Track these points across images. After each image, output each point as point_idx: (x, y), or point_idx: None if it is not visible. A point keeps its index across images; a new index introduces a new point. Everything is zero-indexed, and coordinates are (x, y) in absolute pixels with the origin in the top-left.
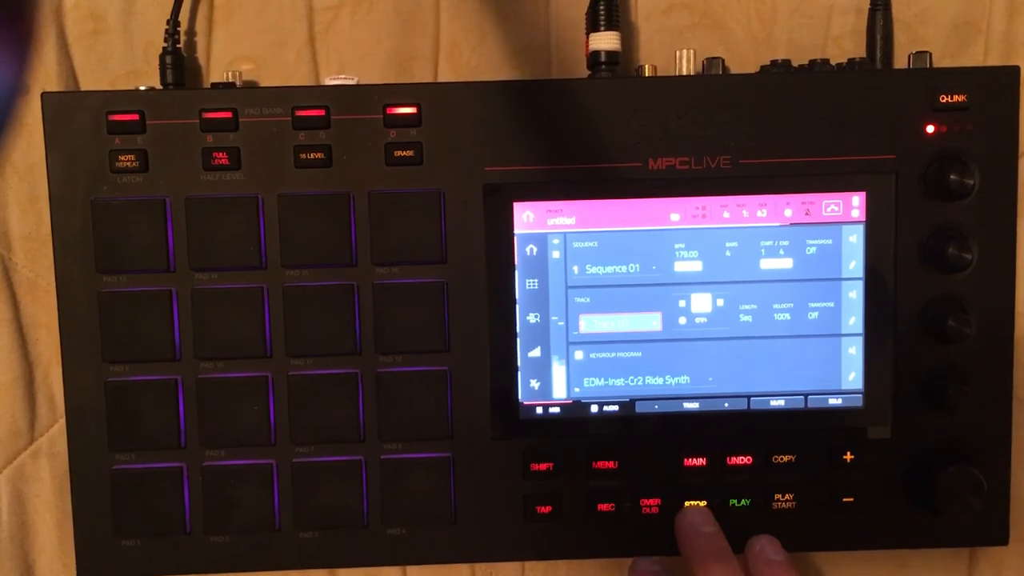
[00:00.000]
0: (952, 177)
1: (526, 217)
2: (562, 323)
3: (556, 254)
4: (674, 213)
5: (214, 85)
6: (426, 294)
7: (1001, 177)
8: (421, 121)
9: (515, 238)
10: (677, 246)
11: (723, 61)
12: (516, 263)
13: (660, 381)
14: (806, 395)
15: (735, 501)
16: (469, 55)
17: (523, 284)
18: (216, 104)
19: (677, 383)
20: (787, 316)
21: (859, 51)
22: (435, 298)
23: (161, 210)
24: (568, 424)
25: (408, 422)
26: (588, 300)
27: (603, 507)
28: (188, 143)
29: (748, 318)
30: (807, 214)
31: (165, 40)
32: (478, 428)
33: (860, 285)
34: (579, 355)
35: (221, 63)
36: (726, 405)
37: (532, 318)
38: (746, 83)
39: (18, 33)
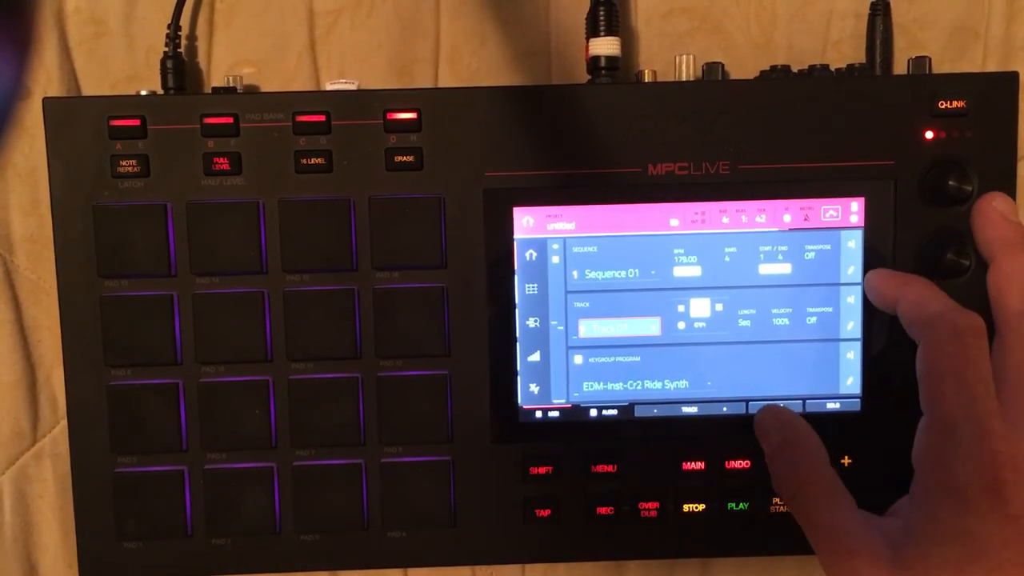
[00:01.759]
0: (951, 183)
1: (526, 222)
2: (561, 328)
3: (556, 259)
4: (673, 218)
5: (215, 90)
6: (426, 299)
7: (1000, 183)
8: (421, 126)
9: (515, 243)
10: (676, 251)
11: (723, 66)
12: (516, 268)
13: (659, 385)
14: (804, 399)
15: (733, 504)
16: (469, 59)
17: (523, 289)
18: (217, 109)
19: (676, 387)
20: (785, 321)
21: (859, 56)
22: (435, 303)
23: (162, 215)
24: (567, 428)
25: (408, 426)
26: (587, 305)
27: (602, 510)
28: (189, 148)
29: (747, 323)
30: (806, 219)
31: (166, 44)
32: (478, 432)
33: (859, 290)
34: (578, 359)
35: (222, 67)
36: (724, 409)
37: (532, 323)
38: (745, 88)
39: (18, 35)
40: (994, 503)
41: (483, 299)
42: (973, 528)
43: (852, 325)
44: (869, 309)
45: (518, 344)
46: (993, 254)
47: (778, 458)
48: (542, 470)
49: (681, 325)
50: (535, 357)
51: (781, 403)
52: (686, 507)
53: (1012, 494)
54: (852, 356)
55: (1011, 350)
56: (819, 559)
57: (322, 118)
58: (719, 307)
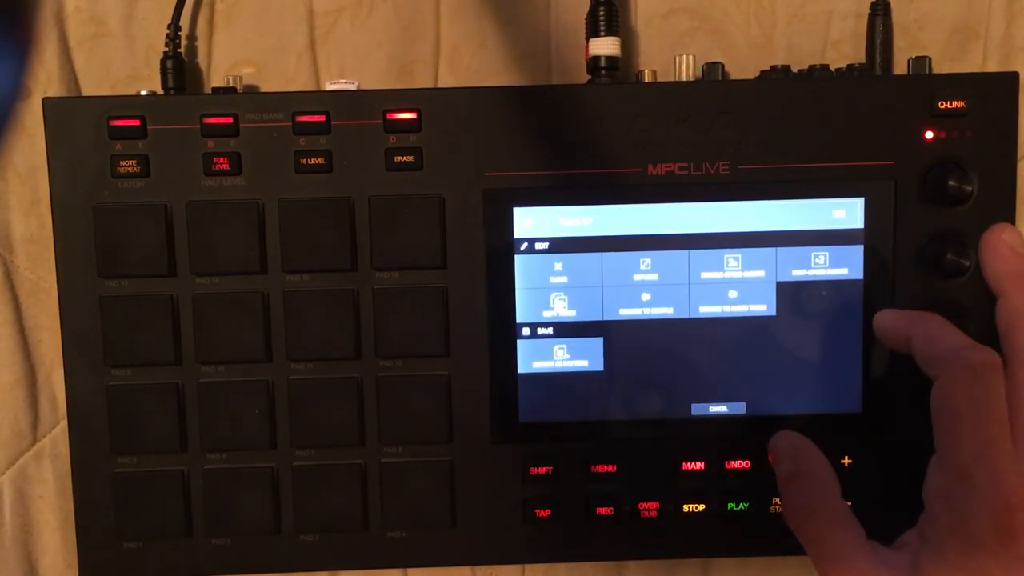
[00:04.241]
0: (951, 183)
1: (526, 222)
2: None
3: (556, 259)
4: (673, 218)
5: (215, 90)
6: (426, 299)
7: (1000, 183)
8: (421, 126)
9: (515, 243)
10: (676, 251)
11: (723, 66)
12: (516, 268)
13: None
14: (805, 400)
15: (733, 504)
16: (469, 60)
17: (523, 289)
18: (217, 109)
19: (677, 387)
20: (786, 321)
21: (859, 56)
22: (435, 303)
23: (162, 215)
24: (567, 428)
25: (408, 426)
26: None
27: (602, 510)
28: (189, 148)
29: (747, 323)
30: (806, 220)
31: (166, 44)
32: (478, 432)
33: (859, 290)
34: None
35: (222, 67)
36: (725, 409)
37: (531, 322)
38: (745, 88)
39: (18, 35)
40: (1005, 544)
41: (483, 299)
42: (982, 567)
43: (853, 325)
44: (870, 309)
45: (518, 344)
46: (1003, 288)
47: (789, 487)
48: (542, 470)
49: None
50: (535, 357)
51: (781, 403)
52: (686, 507)
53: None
54: (853, 356)
55: (1022, 386)
56: None
57: (322, 118)
58: (719, 307)
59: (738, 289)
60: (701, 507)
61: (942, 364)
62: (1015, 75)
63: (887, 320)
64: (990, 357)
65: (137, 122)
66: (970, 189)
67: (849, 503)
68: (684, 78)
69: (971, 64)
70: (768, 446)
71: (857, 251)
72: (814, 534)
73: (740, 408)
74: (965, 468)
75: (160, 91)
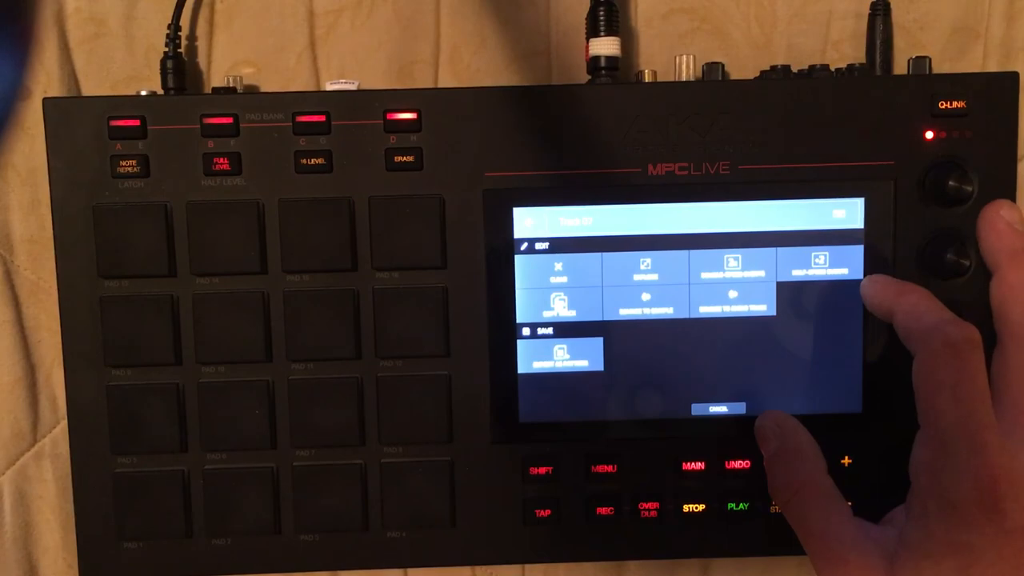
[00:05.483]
0: (951, 183)
1: (526, 222)
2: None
3: (556, 259)
4: (674, 218)
5: (215, 90)
6: (427, 299)
7: (1000, 183)
8: (421, 127)
9: (515, 243)
10: (676, 251)
11: (723, 66)
12: (516, 268)
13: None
14: (804, 400)
15: (733, 505)
16: (470, 60)
17: (523, 289)
18: (217, 109)
19: (676, 387)
20: (786, 321)
21: (859, 56)
22: (435, 303)
23: (162, 215)
24: (567, 428)
25: (408, 426)
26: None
27: (602, 511)
28: (189, 148)
29: (747, 323)
30: (806, 220)
31: (166, 44)
32: (478, 432)
33: (859, 290)
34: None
35: (222, 67)
36: (725, 409)
37: (531, 323)
38: (745, 88)
39: (18, 35)
40: (990, 517)
41: (483, 299)
42: (968, 541)
43: (853, 325)
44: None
45: (518, 344)
46: (998, 264)
47: (775, 463)
48: (542, 470)
49: None
50: (535, 357)
51: (781, 403)
52: (686, 507)
53: (1008, 508)
54: (853, 356)
55: (1012, 361)
56: (813, 566)
57: (322, 118)
58: (719, 307)
59: (738, 289)
60: (701, 507)
61: (923, 338)
62: (1015, 75)
63: (874, 289)
64: (970, 332)
65: (137, 122)
66: (970, 189)
67: (850, 503)
68: (684, 78)
69: (971, 64)
70: (754, 426)
71: (857, 251)
72: (800, 511)
73: (740, 408)
74: (948, 441)
75: (160, 91)
